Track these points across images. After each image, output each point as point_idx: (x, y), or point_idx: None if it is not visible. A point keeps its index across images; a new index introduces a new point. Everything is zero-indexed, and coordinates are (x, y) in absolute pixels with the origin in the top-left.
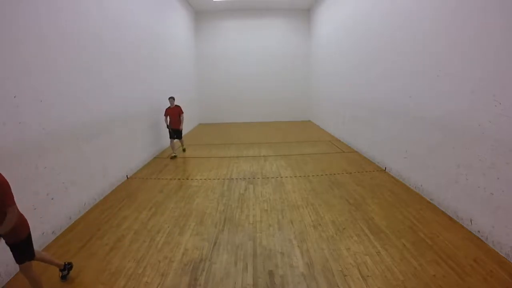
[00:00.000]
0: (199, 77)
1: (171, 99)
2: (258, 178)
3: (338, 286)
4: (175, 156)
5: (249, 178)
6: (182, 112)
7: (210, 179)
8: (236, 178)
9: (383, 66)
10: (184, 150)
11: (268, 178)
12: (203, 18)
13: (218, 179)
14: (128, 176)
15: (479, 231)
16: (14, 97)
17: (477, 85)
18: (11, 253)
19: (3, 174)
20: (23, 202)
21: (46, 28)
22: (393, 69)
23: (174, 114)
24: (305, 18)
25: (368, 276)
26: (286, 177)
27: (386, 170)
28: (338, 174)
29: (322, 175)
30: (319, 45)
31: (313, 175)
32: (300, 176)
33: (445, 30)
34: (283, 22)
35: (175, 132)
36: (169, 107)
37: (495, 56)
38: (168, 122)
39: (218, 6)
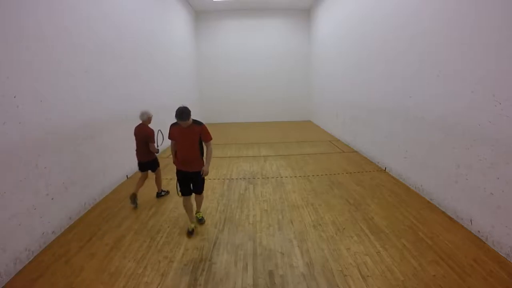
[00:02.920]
0: (199, 77)
1: (183, 112)
2: (258, 178)
3: (338, 286)
4: (193, 231)
5: (249, 178)
6: (210, 138)
7: (210, 179)
8: (236, 178)
9: (383, 66)
10: (201, 219)
11: (268, 178)
12: (203, 18)
13: (218, 179)
14: (128, 176)
15: (479, 231)
16: (14, 97)
17: (477, 85)
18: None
19: (3, 175)
20: (23, 202)
21: (46, 28)
22: (393, 69)
23: (188, 140)
24: (305, 18)
25: (368, 276)
26: (286, 177)
27: (386, 170)
28: (338, 174)
29: (322, 175)
30: (319, 45)
31: (313, 175)
32: (300, 176)
33: (445, 30)
34: (283, 22)
35: (191, 179)
36: (175, 124)
37: (495, 56)
38: (175, 156)
39: (218, 6)
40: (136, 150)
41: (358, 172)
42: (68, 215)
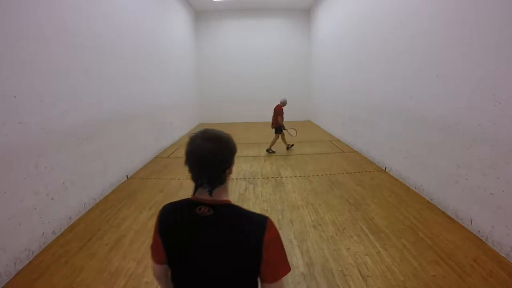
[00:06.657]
0: (199, 77)
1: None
2: (258, 178)
3: (338, 286)
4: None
5: (249, 178)
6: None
7: None
8: (236, 178)
9: (383, 66)
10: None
11: (268, 178)
12: (203, 18)
13: None
14: (128, 176)
15: (479, 231)
16: (14, 97)
17: (477, 85)
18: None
19: (3, 175)
20: (23, 202)
21: (46, 28)
22: (393, 69)
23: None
24: (305, 18)
25: (368, 276)
26: (286, 177)
27: (386, 170)
28: (338, 174)
29: (322, 175)
30: (319, 45)
31: (313, 175)
32: (300, 176)
33: (445, 30)
34: (283, 22)
35: None
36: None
37: (495, 56)
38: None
39: (218, 6)
40: (272, 119)
41: (358, 172)
42: (68, 215)
